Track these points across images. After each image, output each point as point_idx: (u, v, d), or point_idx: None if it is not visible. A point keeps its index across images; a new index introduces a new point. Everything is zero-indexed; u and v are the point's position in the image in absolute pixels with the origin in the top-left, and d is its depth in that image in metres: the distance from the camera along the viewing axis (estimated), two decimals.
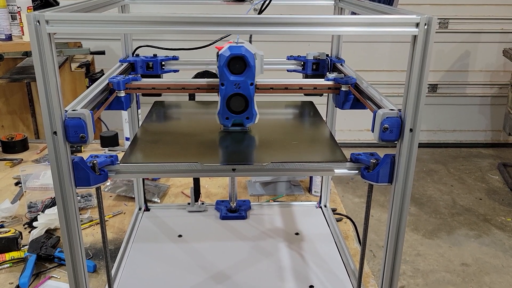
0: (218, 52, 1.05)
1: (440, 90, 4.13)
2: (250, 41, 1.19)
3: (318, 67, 1.33)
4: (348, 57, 1.36)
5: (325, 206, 1.57)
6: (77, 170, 0.85)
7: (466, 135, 4.31)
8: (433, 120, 4.22)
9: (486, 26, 3.93)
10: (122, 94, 1.07)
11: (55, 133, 0.80)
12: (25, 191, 1.65)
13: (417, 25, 0.77)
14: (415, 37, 0.78)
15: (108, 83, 1.06)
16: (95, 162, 0.88)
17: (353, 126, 4.14)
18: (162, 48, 1.36)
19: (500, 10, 3.87)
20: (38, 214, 1.48)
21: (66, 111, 0.82)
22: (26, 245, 1.35)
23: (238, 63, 1.04)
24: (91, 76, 3.05)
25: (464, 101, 4.18)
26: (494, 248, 2.80)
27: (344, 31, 0.82)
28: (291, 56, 1.36)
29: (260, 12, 1.22)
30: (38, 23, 0.73)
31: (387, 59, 4.00)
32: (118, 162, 0.93)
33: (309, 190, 1.75)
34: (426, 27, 0.77)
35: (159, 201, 1.67)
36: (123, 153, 1.07)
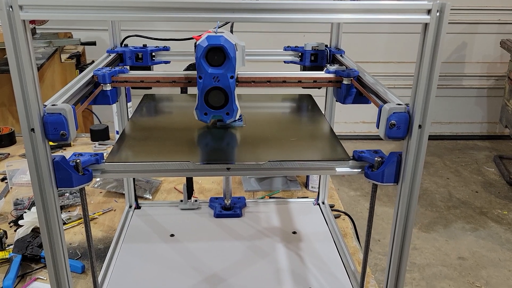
0: (195, 43, 0.97)
1: None
2: (231, 31, 1.12)
3: (316, 58, 1.26)
4: (344, 48, 1.30)
5: (323, 203, 1.51)
6: (58, 170, 0.79)
7: (462, 127, 4.29)
8: None
9: (483, 17, 3.88)
10: (108, 87, 1.00)
11: (32, 130, 0.73)
12: (11, 187, 1.59)
13: (429, 11, 0.71)
14: (426, 25, 0.72)
15: (93, 76, 0.99)
16: (78, 161, 0.81)
17: (348, 118, 4.09)
18: (151, 38, 1.29)
19: (497, 0, 3.82)
20: (25, 212, 1.42)
21: (45, 106, 0.75)
22: (11, 244, 1.29)
23: (217, 54, 0.95)
24: (82, 67, 2.99)
25: (461, 93, 4.15)
26: (491, 241, 2.77)
27: (348, 18, 0.75)
28: (288, 46, 1.30)
29: None
30: (10, 9, 0.66)
31: (383, 50, 3.94)
32: (104, 161, 0.86)
33: (306, 185, 1.69)
34: (438, 14, 0.70)
35: (150, 197, 1.61)
36: None
